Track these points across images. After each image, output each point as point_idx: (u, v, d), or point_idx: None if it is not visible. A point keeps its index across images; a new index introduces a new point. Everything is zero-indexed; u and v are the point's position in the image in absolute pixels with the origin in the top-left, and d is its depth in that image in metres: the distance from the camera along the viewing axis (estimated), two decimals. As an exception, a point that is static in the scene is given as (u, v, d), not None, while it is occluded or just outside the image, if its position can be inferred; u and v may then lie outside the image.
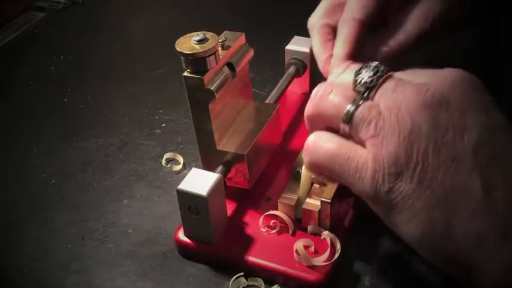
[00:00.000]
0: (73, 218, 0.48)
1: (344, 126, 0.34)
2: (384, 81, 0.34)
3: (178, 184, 0.41)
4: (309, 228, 0.43)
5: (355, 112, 0.34)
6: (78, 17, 0.82)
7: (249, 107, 0.50)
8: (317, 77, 0.55)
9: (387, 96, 0.34)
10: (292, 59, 0.56)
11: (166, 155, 0.54)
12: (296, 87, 0.58)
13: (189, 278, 0.43)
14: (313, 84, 0.58)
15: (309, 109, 0.37)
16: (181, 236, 0.44)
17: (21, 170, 0.54)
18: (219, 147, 0.45)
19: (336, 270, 0.41)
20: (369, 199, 0.34)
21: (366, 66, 0.36)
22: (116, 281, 0.43)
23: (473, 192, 0.31)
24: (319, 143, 0.36)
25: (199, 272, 0.43)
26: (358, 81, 0.35)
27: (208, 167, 0.45)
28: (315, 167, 0.37)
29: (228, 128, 0.47)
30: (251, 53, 0.48)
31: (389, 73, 0.35)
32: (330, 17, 0.47)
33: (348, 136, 0.35)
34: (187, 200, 0.41)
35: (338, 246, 0.41)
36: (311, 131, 0.38)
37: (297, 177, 0.43)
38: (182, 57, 0.42)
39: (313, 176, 0.42)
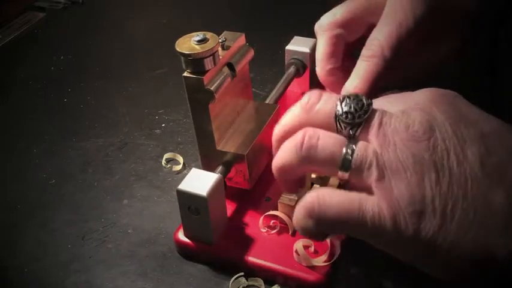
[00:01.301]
0: (73, 218, 0.48)
1: (342, 173, 0.32)
2: (368, 116, 0.33)
3: (178, 184, 0.41)
4: None
5: (353, 157, 0.32)
6: (78, 17, 0.82)
7: (249, 107, 0.50)
8: (317, 77, 0.55)
9: (375, 131, 0.32)
10: (292, 59, 0.57)
11: (166, 155, 0.54)
12: (296, 87, 0.58)
13: (189, 278, 0.43)
14: (313, 85, 0.58)
15: (295, 159, 0.34)
16: (181, 236, 0.44)
17: (21, 170, 0.54)
18: (218, 148, 0.45)
19: (335, 271, 0.41)
20: (396, 248, 0.32)
21: (347, 98, 0.34)
22: (116, 281, 0.43)
23: (499, 206, 0.30)
24: (325, 201, 0.33)
25: (199, 272, 0.43)
26: (343, 117, 0.33)
27: (208, 167, 0.45)
28: (324, 227, 0.34)
29: (228, 128, 0.47)
30: (251, 53, 0.48)
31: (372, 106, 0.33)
32: (345, 28, 0.46)
33: (345, 183, 0.33)
34: (187, 200, 0.41)
35: (338, 246, 0.41)
36: (283, 179, 0.36)
37: None
38: (182, 58, 0.42)
39: (313, 176, 0.42)
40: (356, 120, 0.33)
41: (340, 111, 0.33)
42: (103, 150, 0.56)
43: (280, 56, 0.58)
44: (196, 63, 0.42)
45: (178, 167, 0.53)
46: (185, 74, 0.43)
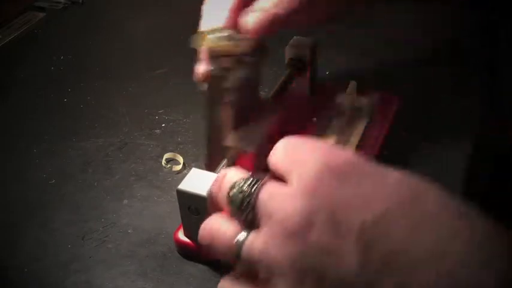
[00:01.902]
0: (73, 218, 0.48)
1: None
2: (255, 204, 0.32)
3: (178, 184, 0.41)
4: None
5: (242, 251, 0.32)
6: (78, 17, 0.82)
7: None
8: (317, 77, 0.56)
9: (263, 222, 0.32)
10: (292, 59, 0.56)
11: (166, 155, 0.54)
12: (296, 87, 0.58)
13: (189, 278, 0.43)
14: (313, 84, 0.58)
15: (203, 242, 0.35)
16: (181, 236, 0.44)
17: (21, 170, 0.54)
18: (229, 144, 0.45)
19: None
20: None
21: (234, 188, 0.33)
22: (116, 281, 0.43)
23: None
24: None
25: (199, 272, 0.43)
26: (233, 206, 0.33)
27: (214, 165, 0.46)
28: None
29: (242, 125, 0.47)
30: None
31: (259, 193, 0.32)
32: None
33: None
34: (187, 200, 0.41)
35: None
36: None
37: None
38: (207, 53, 0.42)
39: None
40: (244, 209, 0.32)
41: (231, 201, 0.34)
42: (103, 150, 0.56)
43: (280, 56, 0.58)
44: (219, 59, 0.42)
45: (178, 167, 0.53)
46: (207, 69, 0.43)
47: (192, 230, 0.43)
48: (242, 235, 0.32)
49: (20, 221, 0.49)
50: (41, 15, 0.82)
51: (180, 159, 0.53)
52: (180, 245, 0.44)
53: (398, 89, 0.59)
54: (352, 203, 0.30)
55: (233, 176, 0.35)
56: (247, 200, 0.32)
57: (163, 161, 0.54)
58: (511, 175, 0.68)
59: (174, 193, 0.42)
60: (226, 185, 0.35)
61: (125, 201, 0.50)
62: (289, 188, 0.31)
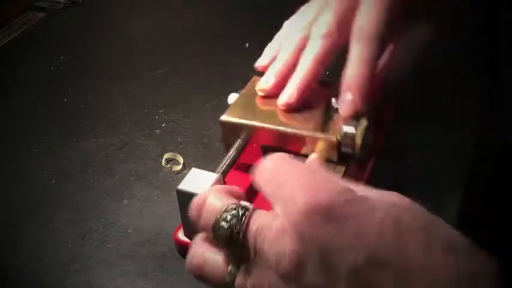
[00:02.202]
0: (73, 218, 0.48)
1: None
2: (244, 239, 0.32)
3: (178, 184, 0.41)
4: None
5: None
6: (78, 17, 0.82)
7: None
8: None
9: (252, 262, 0.32)
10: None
11: (166, 155, 0.54)
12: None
13: (189, 278, 0.42)
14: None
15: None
16: (181, 236, 0.44)
17: (21, 170, 0.54)
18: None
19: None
20: None
21: (222, 221, 0.32)
22: (116, 281, 0.43)
23: None
24: None
25: (199, 272, 0.43)
26: (222, 240, 0.32)
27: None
28: None
29: None
30: None
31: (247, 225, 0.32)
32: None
33: None
34: (187, 200, 0.41)
35: None
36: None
37: None
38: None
39: None
40: (232, 244, 0.32)
41: (217, 234, 0.33)
42: (103, 150, 0.56)
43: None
44: None
45: (178, 167, 0.53)
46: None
47: (192, 230, 0.43)
48: (232, 271, 0.32)
49: (20, 221, 0.49)
50: (41, 15, 0.82)
51: (180, 159, 0.53)
52: (180, 245, 0.44)
53: (398, 89, 0.59)
54: (340, 244, 0.30)
55: (215, 202, 0.34)
56: (236, 236, 0.32)
57: (163, 161, 0.54)
58: (511, 175, 0.68)
59: (174, 193, 0.42)
60: (209, 214, 0.34)
61: (125, 201, 0.50)
62: (277, 223, 0.31)
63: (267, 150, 0.45)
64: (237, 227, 0.32)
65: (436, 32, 0.49)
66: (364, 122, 0.43)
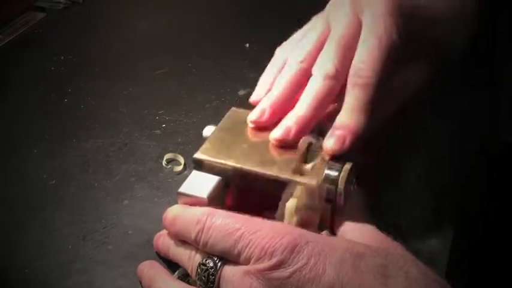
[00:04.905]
0: (73, 218, 0.48)
1: None
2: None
3: (179, 185, 0.41)
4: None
5: None
6: (78, 17, 0.82)
7: None
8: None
9: None
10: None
11: (167, 156, 0.54)
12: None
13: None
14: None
15: None
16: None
17: (21, 170, 0.54)
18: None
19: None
20: None
21: (198, 268, 0.38)
22: (117, 282, 0.43)
23: None
24: None
25: (199, 273, 0.43)
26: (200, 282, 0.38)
27: None
28: None
29: None
30: None
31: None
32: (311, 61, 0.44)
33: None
34: (188, 203, 0.41)
35: None
36: None
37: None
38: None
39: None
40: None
41: (197, 279, 0.38)
42: (103, 151, 0.56)
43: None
44: None
45: (179, 168, 0.53)
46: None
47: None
48: None
49: (20, 221, 0.49)
50: (41, 15, 0.81)
51: (181, 159, 0.53)
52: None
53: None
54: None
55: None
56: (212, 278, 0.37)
57: (164, 162, 0.54)
58: (511, 175, 0.68)
59: (175, 194, 0.42)
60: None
61: (126, 202, 0.50)
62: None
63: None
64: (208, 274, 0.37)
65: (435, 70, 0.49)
66: (348, 166, 0.40)
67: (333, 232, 0.42)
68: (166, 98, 0.63)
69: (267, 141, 0.44)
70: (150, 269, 0.41)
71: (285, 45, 0.50)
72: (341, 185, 0.39)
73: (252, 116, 0.45)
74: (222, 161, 0.42)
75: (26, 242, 0.47)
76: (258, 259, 0.35)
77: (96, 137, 0.58)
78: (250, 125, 0.45)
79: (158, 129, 0.58)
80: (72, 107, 0.63)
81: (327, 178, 0.40)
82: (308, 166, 0.42)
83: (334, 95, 0.43)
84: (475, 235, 0.62)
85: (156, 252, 0.44)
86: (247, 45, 0.71)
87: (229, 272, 0.37)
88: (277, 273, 0.34)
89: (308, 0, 0.55)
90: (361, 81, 0.41)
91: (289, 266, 0.34)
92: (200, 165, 0.43)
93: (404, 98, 0.47)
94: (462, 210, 0.47)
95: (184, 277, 0.41)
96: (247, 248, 0.36)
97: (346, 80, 0.43)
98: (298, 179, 0.40)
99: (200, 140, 0.56)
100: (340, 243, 0.36)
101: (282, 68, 0.47)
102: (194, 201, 0.41)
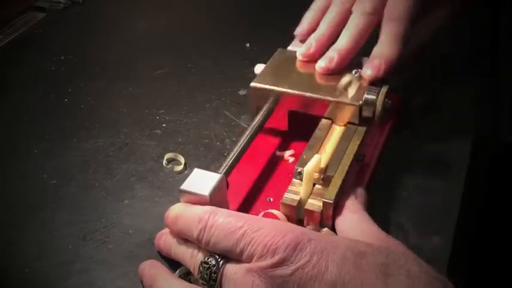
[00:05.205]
0: (73, 218, 0.48)
1: None
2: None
3: (180, 184, 0.41)
4: (309, 228, 0.43)
5: None
6: (78, 17, 0.82)
7: None
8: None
9: None
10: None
11: (167, 155, 0.54)
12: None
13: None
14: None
15: None
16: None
17: (21, 170, 0.54)
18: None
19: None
20: None
21: (200, 266, 0.38)
22: (117, 281, 0.43)
23: None
24: None
25: (200, 273, 0.43)
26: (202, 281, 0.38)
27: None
28: None
29: None
30: None
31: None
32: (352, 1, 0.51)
33: None
34: (190, 200, 0.41)
35: None
36: None
37: (297, 177, 0.43)
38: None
39: (315, 176, 0.41)
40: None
41: (199, 277, 0.38)
42: (103, 151, 0.56)
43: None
44: None
45: (180, 167, 0.53)
46: None
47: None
48: None
49: (21, 221, 0.48)
50: (41, 15, 0.82)
51: (182, 159, 0.53)
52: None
53: (398, 89, 0.59)
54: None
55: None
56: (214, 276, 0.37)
57: (164, 161, 0.53)
58: (510, 174, 0.68)
59: (175, 193, 0.42)
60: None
61: (126, 202, 0.50)
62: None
63: (293, 116, 0.51)
64: (210, 273, 0.37)
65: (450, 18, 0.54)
66: (384, 90, 0.46)
67: (333, 230, 0.42)
68: (166, 98, 0.63)
69: (314, 71, 0.50)
70: (151, 268, 0.41)
71: None
72: (379, 106, 0.46)
73: (301, 49, 0.51)
74: (276, 87, 0.49)
75: (26, 242, 0.47)
76: (261, 257, 0.35)
77: (96, 137, 0.58)
78: (299, 58, 0.52)
79: (158, 129, 0.58)
80: (72, 107, 0.63)
81: (367, 100, 0.46)
82: (351, 91, 0.48)
83: (371, 29, 0.49)
84: (476, 233, 0.62)
85: (158, 251, 0.44)
86: (247, 45, 0.71)
87: (231, 270, 0.37)
88: (280, 271, 0.34)
89: (308, 0, 0.55)
90: (395, 16, 0.48)
91: (291, 263, 0.34)
92: (256, 94, 0.50)
93: (426, 36, 0.53)
94: (463, 209, 0.47)
95: (186, 276, 0.41)
96: (250, 246, 0.35)
97: (382, 16, 0.49)
98: (343, 100, 0.47)
99: (200, 140, 0.56)
100: (342, 241, 0.36)
101: (323, 7, 0.52)
102: (196, 199, 0.41)
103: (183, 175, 0.52)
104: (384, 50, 0.47)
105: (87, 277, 0.43)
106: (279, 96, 0.49)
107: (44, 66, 0.70)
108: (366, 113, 0.47)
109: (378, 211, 0.44)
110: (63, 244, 0.46)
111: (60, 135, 0.58)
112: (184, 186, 0.41)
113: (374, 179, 0.49)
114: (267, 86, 0.49)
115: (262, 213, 0.44)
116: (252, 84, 0.50)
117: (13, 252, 0.46)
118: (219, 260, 0.37)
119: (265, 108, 0.49)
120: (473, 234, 0.59)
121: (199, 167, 0.45)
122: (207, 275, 0.37)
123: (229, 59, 0.69)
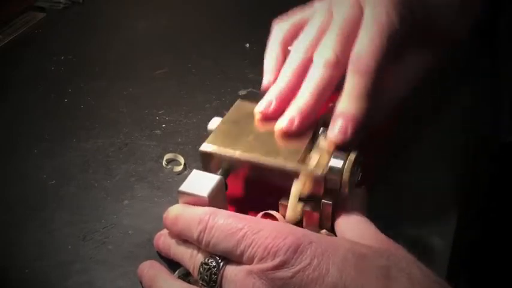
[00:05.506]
0: (73, 218, 0.48)
1: None
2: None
3: (179, 185, 0.41)
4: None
5: None
6: (78, 17, 0.82)
7: None
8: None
9: None
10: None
11: (167, 156, 0.54)
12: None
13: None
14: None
15: None
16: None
17: (21, 170, 0.54)
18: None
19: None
20: None
21: (200, 267, 0.38)
22: (117, 282, 0.43)
23: None
24: None
25: (200, 273, 0.43)
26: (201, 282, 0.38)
27: None
28: None
29: None
30: None
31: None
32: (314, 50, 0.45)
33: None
34: (188, 202, 0.41)
35: None
36: None
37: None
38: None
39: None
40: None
41: (198, 278, 0.38)
42: (103, 151, 0.56)
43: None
44: None
45: (179, 168, 0.53)
46: None
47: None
48: None
49: (20, 221, 0.48)
50: (41, 15, 0.82)
51: (181, 159, 0.53)
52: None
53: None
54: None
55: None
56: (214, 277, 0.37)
57: (164, 162, 0.53)
58: (510, 175, 0.68)
59: (175, 194, 0.42)
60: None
61: (126, 202, 0.50)
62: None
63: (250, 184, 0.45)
64: (210, 274, 0.38)
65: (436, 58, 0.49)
66: (353, 156, 0.40)
67: (333, 232, 0.42)
68: (166, 98, 0.63)
69: (273, 132, 0.44)
70: (151, 269, 0.41)
71: (283, 24, 0.51)
72: (345, 175, 0.39)
73: (260, 107, 0.45)
74: (228, 152, 0.43)
75: (26, 242, 0.47)
76: (261, 259, 0.35)
77: (96, 137, 0.58)
78: (258, 116, 0.45)
79: (158, 129, 0.58)
80: (72, 107, 0.63)
81: (332, 169, 0.40)
82: (314, 156, 0.42)
83: (335, 83, 0.44)
84: (477, 234, 0.62)
85: (157, 252, 0.44)
86: (247, 45, 0.71)
87: (231, 271, 0.37)
88: (280, 273, 0.34)
89: (308, 0, 0.55)
90: (360, 69, 0.41)
91: (292, 266, 0.34)
92: (206, 157, 0.43)
93: (407, 87, 0.48)
94: (463, 209, 0.47)
95: (185, 276, 0.41)
96: (250, 248, 0.35)
97: (346, 68, 0.43)
98: (303, 169, 0.40)
99: (200, 140, 0.56)
100: (342, 243, 0.36)
101: (283, 51, 0.48)
102: (195, 200, 0.41)
103: (183, 175, 0.52)
104: (348, 106, 0.41)
105: (87, 277, 0.43)
106: (232, 162, 0.43)
107: (44, 66, 0.70)
108: (331, 185, 0.40)
109: (377, 211, 0.44)
110: (63, 244, 0.46)
111: (60, 135, 0.58)
112: (183, 187, 0.41)
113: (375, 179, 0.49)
114: (217, 152, 0.43)
115: (260, 214, 0.44)
116: (202, 148, 0.43)
117: (13, 252, 0.46)
118: (220, 261, 0.37)
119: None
120: (473, 235, 0.59)
121: (199, 167, 0.45)
122: (207, 276, 0.37)
123: (229, 59, 0.69)
